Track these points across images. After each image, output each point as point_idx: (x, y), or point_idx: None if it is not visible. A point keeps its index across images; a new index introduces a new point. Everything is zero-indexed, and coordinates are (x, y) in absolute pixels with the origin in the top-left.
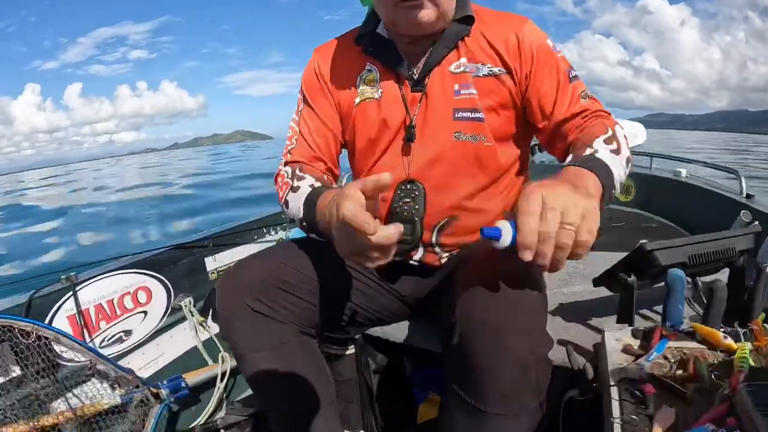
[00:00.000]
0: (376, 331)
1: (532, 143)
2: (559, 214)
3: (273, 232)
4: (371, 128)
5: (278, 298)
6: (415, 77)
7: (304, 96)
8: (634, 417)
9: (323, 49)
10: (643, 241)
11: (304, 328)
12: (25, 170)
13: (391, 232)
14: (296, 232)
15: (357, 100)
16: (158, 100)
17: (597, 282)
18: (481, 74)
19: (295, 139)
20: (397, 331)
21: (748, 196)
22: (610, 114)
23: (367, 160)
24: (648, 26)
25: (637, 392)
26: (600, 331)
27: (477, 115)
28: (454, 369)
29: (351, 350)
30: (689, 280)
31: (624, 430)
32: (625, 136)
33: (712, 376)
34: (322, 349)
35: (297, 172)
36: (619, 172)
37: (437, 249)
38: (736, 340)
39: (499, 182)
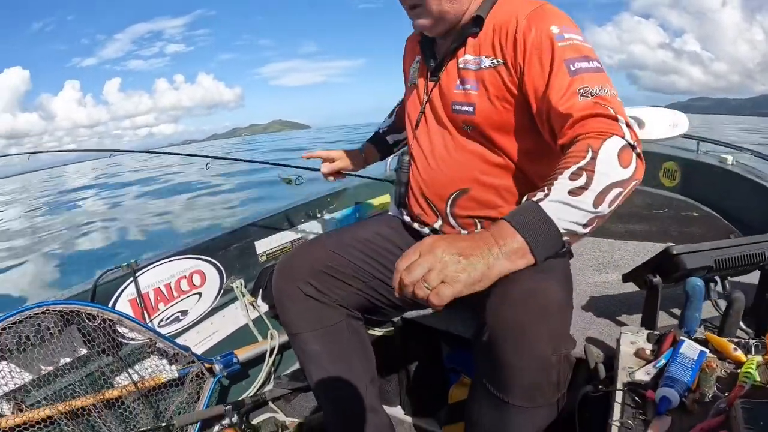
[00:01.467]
0: (414, 315)
1: None
2: (424, 270)
3: (319, 215)
4: (408, 107)
5: (327, 284)
6: (431, 69)
7: None
8: (630, 421)
9: (408, 40)
10: (670, 244)
11: (351, 311)
12: (67, 164)
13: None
14: (343, 215)
15: (409, 84)
16: (196, 92)
17: (626, 278)
18: (483, 66)
19: None
20: (434, 316)
21: None
22: (614, 118)
23: (408, 128)
24: (688, 6)
25: (639, 397)
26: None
27: (469, 108)
28: (483, 363)
29: (391, 332)
30: (718, 281)
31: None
32: (608, 160)
33: (715, 389)
34: (366, 330)
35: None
36: (574, 216)
37: (452, 220)
38: (747, 351)
39: (509, 164)
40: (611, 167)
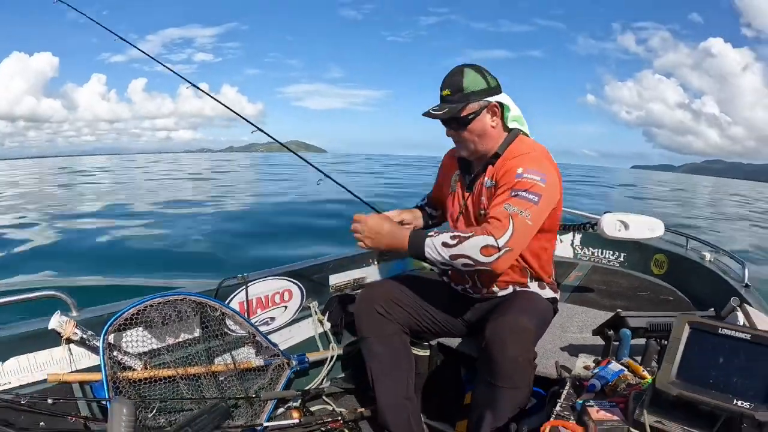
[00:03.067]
0: (444, 341)
1: (585, 222)
2: (362, 230)
3: (376, 263)
4: (450, 206)
5: (392, 308)
6: (467, 184)
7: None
8: (571, 391)
9: (448, 155)
10: (619, 309)
11: (404, 329)
12: (85, 155)
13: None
14: (393, 265)
15: (450, 191)
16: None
17: (594, 332)
18: (487, 186)
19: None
20: (457, 342)
21: (747, 286)
22: (505, 228)
23: (449, 219)
24: (710, 69)
25: (580, 385)
26: None
27: (484, 212)
28: (482, 361)
29: (428, 352)
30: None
31: (566, 396)
32: (474, 245)
33: (625, 386)
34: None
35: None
36: (434, 254)
37: (478, 284)
38: (653, 374)
39: None
40: (472, 249)
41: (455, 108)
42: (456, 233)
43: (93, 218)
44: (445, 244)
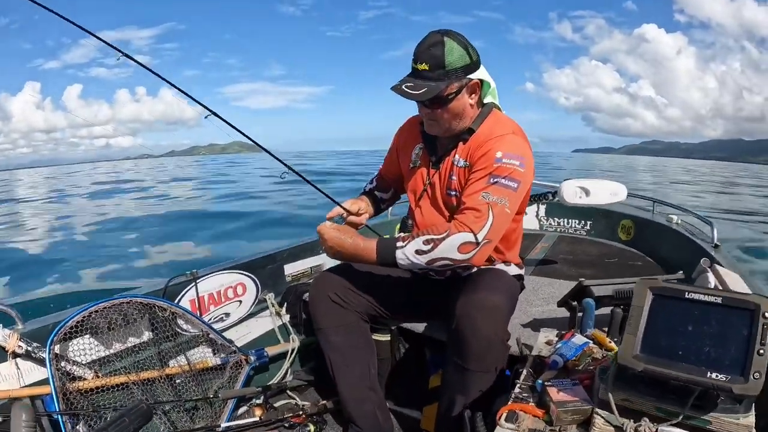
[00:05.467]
0: (407, 324)
1: (545, 191)
2: (322, 241)
3: None
4: (412, 184)
5: (348, 295)
6: (433, 161)
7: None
8: (531, 370)
9: (407, 125)
10: (581, 278)
11: (362, 317)
12: (19, 168)
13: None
14: None
15: (411, 166)
16: (156, 106)
17: (558, 304)
18: (459, 165)
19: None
20: (422, 326)
21: (716, 246)
22: (484, 219)
23: (410, 198)
24: (645, 54)
25: (540, 362)
26: None
27: (455, 192)
28: (451, 343)
29: (388, 337)
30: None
31: (525, 377)
32: (451, 245)
33: (589, 360)
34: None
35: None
36: (407, 263)
37: None
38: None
39: None
40: (450, 250)
41: (436, 88)
42: (428, 236)
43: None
44: (419, 252)
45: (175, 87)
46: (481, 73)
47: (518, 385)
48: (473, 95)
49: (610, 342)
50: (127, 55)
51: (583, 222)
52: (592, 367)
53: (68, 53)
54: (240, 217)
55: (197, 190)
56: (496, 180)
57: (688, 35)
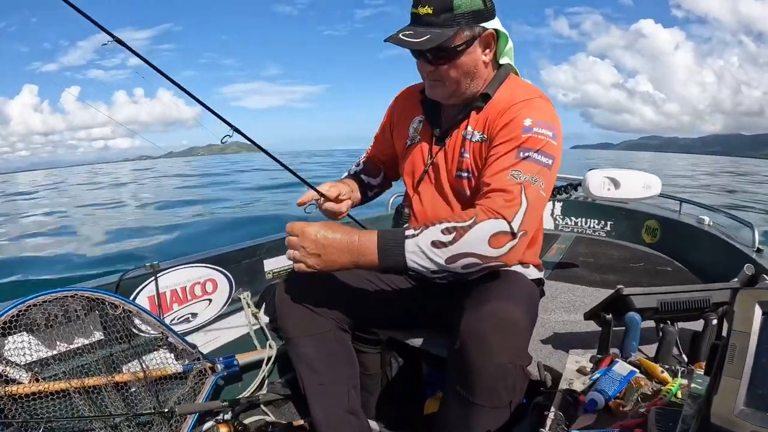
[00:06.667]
0: (400, 336)
1: (566, 184)
2: (297, 245)
3: None
4: (409, 164)
5: (322, 300)
6: (437, 135)
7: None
8: (561, 413)
9: (403, 93)
10: (620, 285)
11: (340, 324)
12: (20, 171)
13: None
14: None
15: (408, 143)
16: (154, 107)
17: (586, 316)
18: (473, 139)
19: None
20: (417, 339)
21: (758, 251)
22: (517, 203)
23: (407, 182)
24: (642, 50)
25: (573, 400)
26: None
27: (468, 174)
28: (454, 367)
29: (378, 350)
30: (669, 324)
31: (553, 423)
32: (479, 235)
33: (638, 400)
34: (354, 347)
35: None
36: (422, 260)
37: None
38: (675, 375)
39: None
40: (478, 242)
41: (443, 35)
42: (449, 224)
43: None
44: (436, 244)
45: (196, 99)
46: (496, 24)
47: None
48: (487, 50)
49: (662, 372)
50: (118, 40)
51: (602, 222)
52: (643, 410)
53: (65, 56)
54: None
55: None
56: (526, 154)
57: (686, 30)
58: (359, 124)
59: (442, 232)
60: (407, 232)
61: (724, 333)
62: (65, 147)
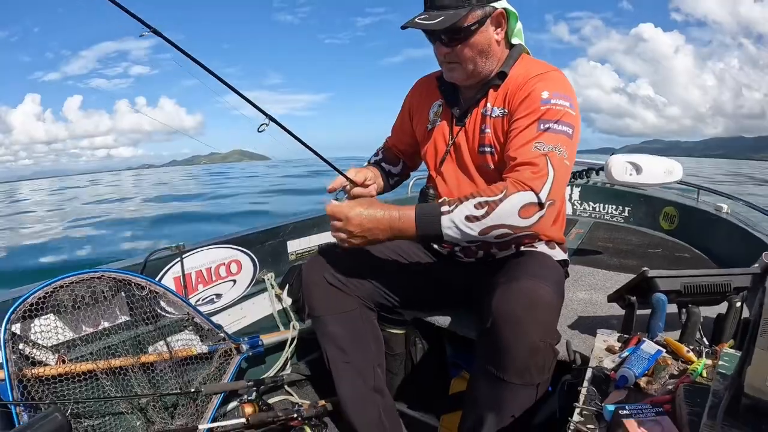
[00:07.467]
0: (425, 316)
1: (587, 168)
2: (341, 226)
3: None
4: (431, 146)
5: (348, 278)
6: (457, 116)
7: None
8: (593, 388)
9: (420, 82)
10: (645, 268)
11: (366, 303)
12: (23, 179)
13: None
14: None
15: (429, 127)
16: (157, 116)
17: (610, 298)
18: (494, 115)
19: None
20: (443, 319)
21: None
22: (544, 174)
23: (430, 164)
24: (643, 54)
25: (604, 377)
26: None
27: (491, 149)
28: (485, 347)
29: (403, 331)
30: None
31: (586, 398)
32: (510, 208)
33: (666, 377)
34: (380, 327)
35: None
36: (456, 234)
37: (473, 246)
38: (699, 355)
39: None
40: (509, 214)
41: (456, 15)
42: (480, 198)
43: None
44: (470, 218)
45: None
46: (504, 4)
47: (578, 411)
48: (499, 29)
49: (688, 351)
50: (155, 31)
51: (621, 208)
52: (671, 387)
53: (68, 65)
54: None
55: None
56: (547, 126)
57: (685, 33)
58: (362, 131)
59: (475, 206)
60: (443, 208)
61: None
62: (68, 156)
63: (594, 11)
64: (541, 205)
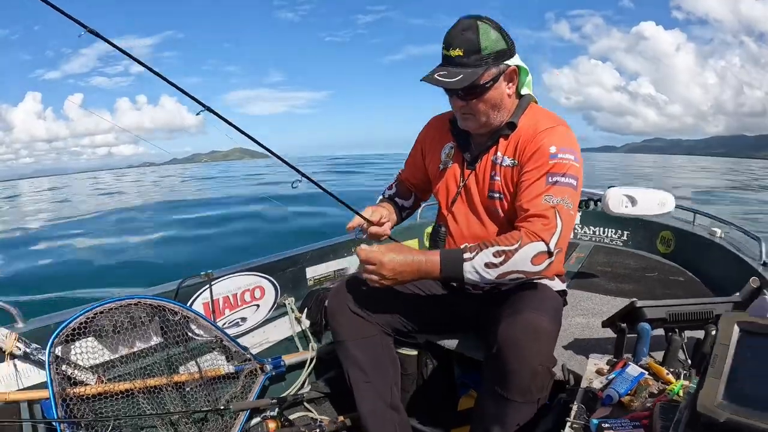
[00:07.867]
0: (436, 339)
1: (587, 198)
2: (378, 268)
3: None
4: (443, 186)
5: (369, 306)
6: (468, 160)
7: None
8: (583, 406)
9: (433, 122)
10: (634, 299)
11: (385, 329)
12: (24, 178)
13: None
14: None
15: (441, 167)
16: (157, 114)
17: (604, 324)
18: (504, 164)
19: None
20: (452, 342)
21: (765, 264)
22: (553, 226)
23: (441, 202)
24: (644, 52)
25: (592, 396)
26: None
27: (500, 195)
28: (491, 370)
29: (416, 352)
30: (677, 332)
31: (576, 414)
32: (524, 257)
33: (647, 396)
34: (395, 348)
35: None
36: (476, 278)
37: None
38: (678, 377)
39: None
40: (523, 262)
41: (473, 74)
42: (498, 247)
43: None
44: (489, 265)
45: (172, 84)
46: (517, 61)
47: (569, 425)
48: (510, 84)
49: (667, 374)
50: (92, 31)
51: (620, 232)
52: (649, 405)
53: (68, 63)
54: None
55: None
56: (555, 179)
57: (687, 32)
58: (362, 129)
59: (494, 254)
60: (465, 255)
61: None
62: (69, 154)
63: (595, 9)
64: (550, 253)
